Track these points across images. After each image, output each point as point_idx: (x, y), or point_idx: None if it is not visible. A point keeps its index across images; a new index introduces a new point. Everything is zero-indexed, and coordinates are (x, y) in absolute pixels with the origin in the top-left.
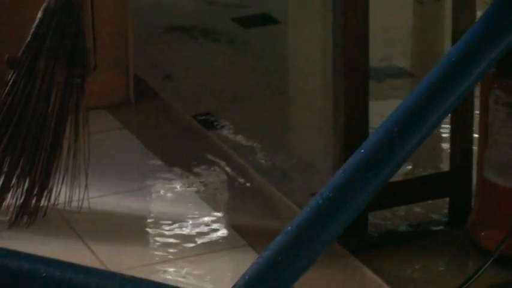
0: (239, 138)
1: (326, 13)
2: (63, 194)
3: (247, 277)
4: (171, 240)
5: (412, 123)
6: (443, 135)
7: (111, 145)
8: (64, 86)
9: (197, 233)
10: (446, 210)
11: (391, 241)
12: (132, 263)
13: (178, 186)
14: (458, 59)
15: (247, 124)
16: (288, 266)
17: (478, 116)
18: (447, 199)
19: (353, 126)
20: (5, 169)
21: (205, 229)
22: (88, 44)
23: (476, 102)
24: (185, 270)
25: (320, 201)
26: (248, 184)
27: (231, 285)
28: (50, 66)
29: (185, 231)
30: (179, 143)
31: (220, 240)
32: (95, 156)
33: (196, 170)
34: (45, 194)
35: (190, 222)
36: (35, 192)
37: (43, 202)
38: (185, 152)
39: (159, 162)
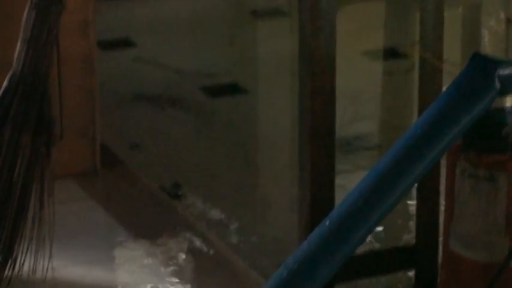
0: (206, 209)
1: (294, 83)
2: (27, 263)
3: None
4: None
5: (377, 195)
6: (410, 207)
7: (77, 215)
8: (29, 155)
9: None
10: (412, 282)
11: None
12: None
13: (143, 258)
14: (424, 132)
15: (215, 195)
16: None
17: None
18: (413, 271)
19: (319, 200)
20: None
21: None
22: (54, 112)
23: (443, 174)
24: None
25: (285, 273)
26: (215, 257)
27: None
28: (15, 135)
29: None
30: (145, 214)
31: None
32: (60, 225)
33: (162, 241)
34: (9, 263)
35: None
36: None
37: (7, 272)
38: (151, 223)
39: (124, 233)
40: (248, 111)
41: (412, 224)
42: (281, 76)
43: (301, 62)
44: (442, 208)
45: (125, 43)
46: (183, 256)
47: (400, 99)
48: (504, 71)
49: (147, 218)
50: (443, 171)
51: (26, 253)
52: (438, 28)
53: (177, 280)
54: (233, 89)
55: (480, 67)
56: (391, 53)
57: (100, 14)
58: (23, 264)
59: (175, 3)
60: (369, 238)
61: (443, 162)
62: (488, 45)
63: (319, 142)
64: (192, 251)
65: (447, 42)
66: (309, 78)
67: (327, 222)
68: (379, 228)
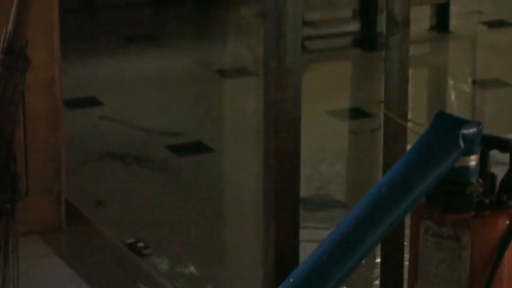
0: (172, 266)
1: (259, 141)
2: None
3: None
4: None
5: (342, 253)
6: (375, 264)
7: (42, 272)
8: None
9: None
10: None
11: None
12: None
13: None
14: (389, 190)
15: (180, 252)
16: None
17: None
18: None
19: (284, 257)
20: None
21: None
22: (19, 169)
23: (407, 233)
24: None
25: None
26: None
27: None
28: None
29: None
30: (111, 271)
31: None
32: (24, 282)
33: None
34: None
35: None
36: None
37: None
38: (117, 280)
39: None
40: (213, 170)
41: (377, 282)
42: (247, 135)
43: (266, 121)
44: (406, 265)
45: (92, 101)
46: None
47: (366, 158)
48: (468, 131)
49: (112, 275)
50: (407, 229)
51: None
52: (402, 88)
53: None
54: (199, 148)
55: (445, 126)
56: (357, 112)
57: (67, 72)
58: None
59: (142, 61)
60: None
61: (408, 220)
62: (454, 105)
63: (284, 200)
64: None
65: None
66: (273, 138)
67: (291, 280)
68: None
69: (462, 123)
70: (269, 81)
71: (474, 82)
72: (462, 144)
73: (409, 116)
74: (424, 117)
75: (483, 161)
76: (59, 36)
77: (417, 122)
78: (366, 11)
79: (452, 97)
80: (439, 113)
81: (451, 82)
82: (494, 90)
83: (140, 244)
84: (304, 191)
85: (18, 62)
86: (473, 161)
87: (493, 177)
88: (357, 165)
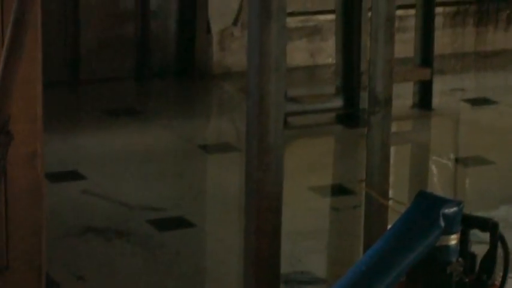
0: None
1: (241, 218)
2: None
3: None
4: None
5: None
6: None
7: None
8: None
9: None
10: None
11: None
12: None
13: None
14: (369, 268)
15: None
16: None
17: None
18: None
19: None
20: None
21: None
22: (0, 243)
23: None
24: None
25: None
26: None
27: None
28: None
29: None
30: None
31: None
32: None
33: None
34: None
35: None
36: None
37: None
38: None
39: None
40: (195, 245)
41: None
42: (229, 211)
43: (248, 197)
44: None
45: (74, 175)
46: None
47: (347, 235)
48: (449, 210)
49: None
50: None
51: None
52: (384, 167)
53: None
54: (180, 223)
55: (426, 205)
56: (339, 189)
57: (50, 145)
58: None
59: (125, 136)
60: None
61: None
62: (436, 183)
63: (264, 278)
64: None
65: (395, 179)
66: (254, 214)
67: None
68: None
69: (443, 202)
70: (250, 158)
71: (457, 160)
72: (443, 224)
73: (391, 193)
74: (406, 195)
75: (463, 240)
76: (42, 110)
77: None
78: (349, 87)
79: (435, 175)
80: (420, 192)
81: (433, 159)
82: (477, 167)
83: None
84: (285, 267)
85: (0, 136)
86: (453, 240)
87: (473, 256)
88: (338, 242)
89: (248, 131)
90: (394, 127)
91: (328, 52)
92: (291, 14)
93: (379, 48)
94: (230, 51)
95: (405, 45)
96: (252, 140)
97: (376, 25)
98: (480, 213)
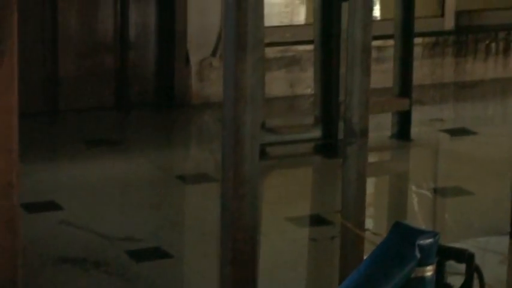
0: None
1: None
2: None
3: None
4: None
5: None
6: None
7: None
8: None
9: None
10: None
11: None
12: None
13: None
14: None
15: None
16: None
17: None
18: None
19: None
20: None
21: None
22: None
23: None
24: None
25: None
26: None
27: None
28: None
29: None
30: None
31: None
32: None
33: None
34: None
35: None
36: None
37: None
38: None
39: None
40: (172, 276)
41: None
42: (207, 241)
43: (223, 228)
44: None
45: (51, 206)
46: None
47: (324, 265)
48: (425, 241)
49: None
50: None
51: None
52: (359, 198)
53: None
54: (158, 253)
55: (402, 236)
56: (317, 219)
57: (27, 175)
58: None
59: (103, 166)
60: None
61: None
62: (415, 213)
63: None
64: None
65: (374, 209)
66: (230, 245)
67: None
68: None
69: (418, 233)
70: (226, 189)
71: (435, 190)
72: (418, 255)
73: (369, 224)
74: (385, 225)
75: (439, 272)
76: (19, 140)
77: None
78: (328, 118)
79: (413, 205)
80: (396, 223)
81: (412, 190)
82: (455, 198)
83: None
84: None
85: None
86: (429, 271)
87: (449, 287)
88: (316, 273)
89: (224, 161)
90: (372, 157)
91: (307, 82)
92: (270, 45)
93: (355, 79)
94: (209, 81)
95: (384, 75)
96: (228, 170)
97: (352, 56)
98: (459, 244)
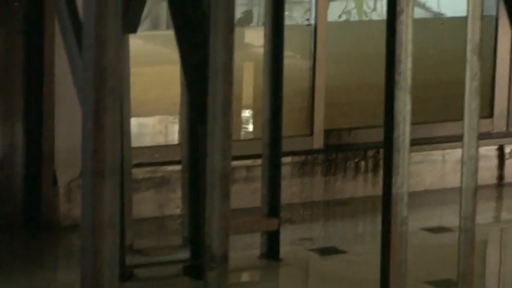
0: None
1: None
2: None
3: None
4: None
5: None
6: None
7: None
8: None
9: None
10: None
11: None
12: None
13: None
14: None
15: None
16: None
17: None
18: None
19: None
20: None
21: None
22: None
23: None
24: None
25: None
26: None
27: None
28: None
29: None
30: None
31: None
32: None
33: None
34: None
35: None
36: None
37: None
38: None
39: None
40: None
41: None
42: None
43: None
44: None
45: None
46: None
47: None
48: None
49: None
50: None
51: None
52: None
53: None
54: None
55: None
56: None
57: None
58: None
59: None
60: None
61: None
62: None
63: None
64: None
65: None
66: None
67: None
68: None
69: None
70: None
71: None
72: None
73: None
74: None
75: None
76: None
77: None
78: (196, 238)
79: None
80: None
81: None
82: None
83: None
84: None
85: None
86: None
87: None
88: None
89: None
90: (241, 278)
91: (176, 203)
92: (139, 165)
93: (215, 204)
94: (77, 202)
95: (254, 195)
96: None
97: (211, 181)
98: None
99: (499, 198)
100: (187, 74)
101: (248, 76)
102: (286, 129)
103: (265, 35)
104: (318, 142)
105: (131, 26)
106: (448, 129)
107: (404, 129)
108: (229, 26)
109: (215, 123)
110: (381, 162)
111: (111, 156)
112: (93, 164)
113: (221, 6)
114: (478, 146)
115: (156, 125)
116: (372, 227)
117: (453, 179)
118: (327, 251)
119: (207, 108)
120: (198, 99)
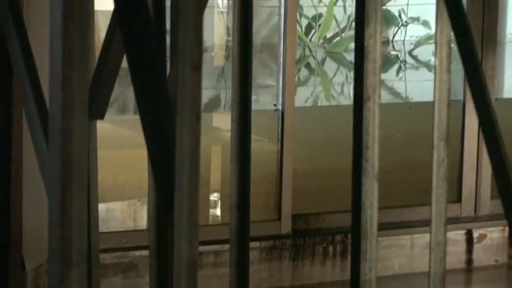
0: None
1: None
2: None
3: None
4: None
5: None
6: None
7: None
8: None
9: None
10: None
11: None
12: None
13: None
14: None
15: None
16: None
17: None
18: None
19: None
20: None
21: None
22: None
23: None
24: None
25: None
26: None
27: None
28: None
29: None
30: None
31: None
32: None
33: None
34: None
35: None
36: None
37: None
38: None
39: None
40: None
41: None
42: None
43: None
44: None
45: None
46: None
47: None
48: None
49: None
50: None
51: None
52: None
53: None
54: None
55: None
56: None
57: None
58: None
59: None
60: None
61: None
62: None
63: None
64: None
65: None
66: None
67: None
68: None
69: None
70: None
71: None
72: None
73: None
74: None
75: None
76: None
77: None
78: None
79: None
80: None
81: None
82: None
83: None
84: None
85: None
86: None
87: None
88: None
89: None
90: None
91: None
92: (107, 250)
93: None
94: None
95: (222, 280)
96: None
97: (178, 270)
98: None
99: (468, 283)
100: (153, 161)
101: (216, 160)
102: (254, 213)
103: (232, 120)
104: (285, 227)
105: (98, 112)
106: (416, 213)
107: (372, 216)
108: (196, 114)
109: (181, 213)
110: (349, 247)
111: (78, 245)
112: (60, 254)
113: (187, 95)
114: (446, 232)
115: (124, 210)
116: None
117: (422, 263)
118: None
119: (173, 197)
120: (164, 187)
